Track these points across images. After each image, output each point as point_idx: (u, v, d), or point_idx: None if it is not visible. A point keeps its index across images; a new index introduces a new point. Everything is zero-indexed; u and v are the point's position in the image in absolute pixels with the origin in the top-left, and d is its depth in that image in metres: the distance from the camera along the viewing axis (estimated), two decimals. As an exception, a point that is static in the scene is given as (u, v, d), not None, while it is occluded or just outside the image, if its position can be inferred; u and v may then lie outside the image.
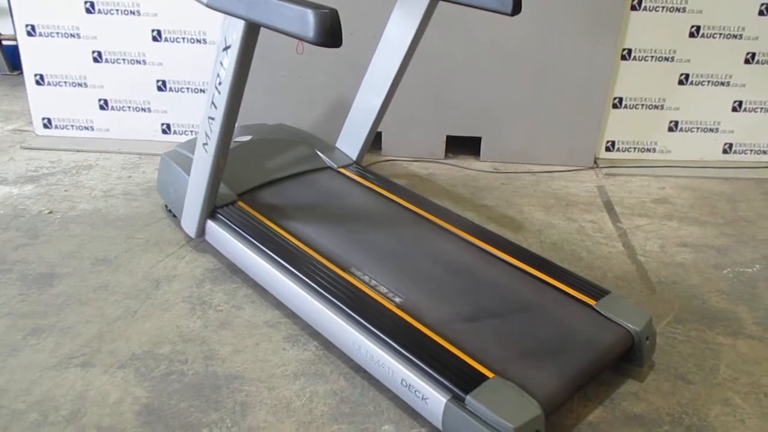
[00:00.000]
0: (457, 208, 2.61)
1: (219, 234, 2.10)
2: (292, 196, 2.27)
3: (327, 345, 1.82)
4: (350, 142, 2.54)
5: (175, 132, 3.13)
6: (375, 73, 2.40)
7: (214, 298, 2.02)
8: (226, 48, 1.71)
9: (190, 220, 2.19)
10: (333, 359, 1.78)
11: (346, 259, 1.91)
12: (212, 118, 1.84)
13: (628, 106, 3.04)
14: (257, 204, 2.20)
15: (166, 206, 2.48)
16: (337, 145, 2.60)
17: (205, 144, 1.93)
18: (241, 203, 2.18)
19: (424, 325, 1.64)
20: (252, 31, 1.66)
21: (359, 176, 2.43)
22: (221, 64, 1.74)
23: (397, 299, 1.74)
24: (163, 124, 3.12)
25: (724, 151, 3.15)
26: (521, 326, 1.66)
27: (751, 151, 3.14)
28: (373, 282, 1.81)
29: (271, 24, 1.47)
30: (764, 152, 3.14)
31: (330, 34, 1.36)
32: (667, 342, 1.89)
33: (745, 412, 1.64)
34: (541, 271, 1.88)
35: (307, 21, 1.38)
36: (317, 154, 2.52)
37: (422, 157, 3.09)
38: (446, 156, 3.12)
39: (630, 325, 1.68)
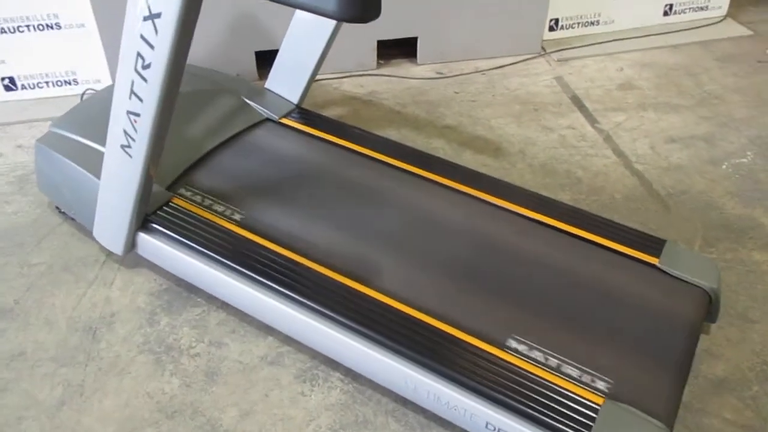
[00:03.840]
0: (422, 138, 2.20)
1: (157, 248, 1.57)
2: (236, 172, 1.74)
3: (353, 373, 1.45)
4: (286, 79, 1.98)
5: (24, 87, 2.33)
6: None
7: (181, 338, 1.54)
8: (152, 17, 1.09)
9: (111, 235, 1.62)
10: (369, 393, 1.42)
11: (343, 258, 1.49)
12: (136, 114, 1.25)
13: (571, -24, 2.66)
14: (196, 195, 1.65)
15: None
16: (268, 86, 2.03)
17: (126, 146, 1.33)
18: (176, 200, 1.63)
19: (495, 345, 1.31)
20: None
21: (308, 125, 1.92)
22: (143, 39, 1.13)
23: (439, 308, 1.38)
24: (4, 79, 2.30)
25: (665, 14, 2.91)
26: (598, 318, 1.38)
27: (690, 9, 2.93)
28: (395, 288, 1.43)
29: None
30: (701, 8, 2.95)
31: (361, 4, 0.84)
32: (710, 273, 1.71)
33: (819, 347, 1.54)
34: (581, 228, 1.58)
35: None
36: (247, 103, 1.94)
37: (351, 70, 2.57)
38: (378, 65, 2.61)
39: (704, 282, 1.45)
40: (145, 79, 1.18)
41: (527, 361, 1.28)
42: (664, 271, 1.48)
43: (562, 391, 1.22)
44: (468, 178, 1.73)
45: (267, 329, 1.54)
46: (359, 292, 1.41)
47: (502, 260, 1.52)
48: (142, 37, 1.12)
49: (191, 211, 1.60)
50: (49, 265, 1.72)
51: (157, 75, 1.16)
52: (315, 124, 1.92)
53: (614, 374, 1.26)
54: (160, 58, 1.13)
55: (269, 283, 1.42)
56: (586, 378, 1.25)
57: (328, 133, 1.89)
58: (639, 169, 2.09)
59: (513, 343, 1.31)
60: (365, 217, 1.61)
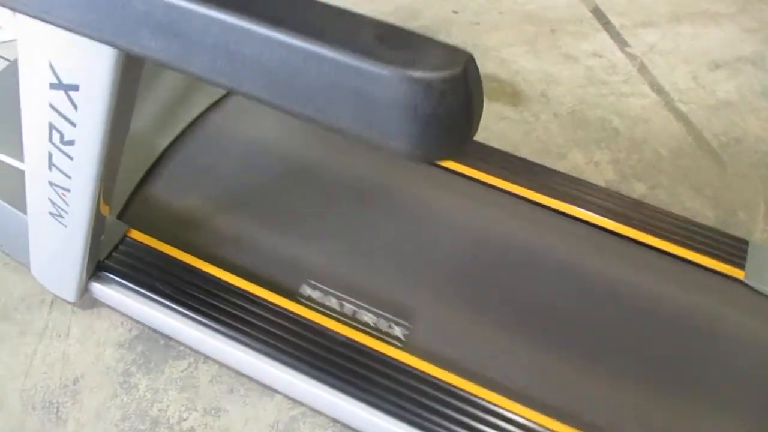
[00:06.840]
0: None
1: (117, 298, 1.23)
2: (203, 179, 1.35)
3: None
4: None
5: None
6: None
7: (168, 406, 1.25)
8: (63, 87, 0.67)
9: (55, 280, 1.26)
10: (409, 465, 1.19)
11: (371, 309, 1.18)
12: (64, 189, 0.85)
13: None
14: (159, 221, 1.28)
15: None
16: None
17: (56, 215, 0.94)
18: (133, 234, 1.25)
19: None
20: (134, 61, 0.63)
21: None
22: (55, 110, 0.71)
23: (485, 373, 1.11)
24: None
25: None
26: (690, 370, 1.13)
27: None
28: (440, 351, 1.14)
29: (249, 91, 0.51)
30: None
31: (458, 137, 0.47)
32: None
33: None
34: (652, 235, 1.28)
35: (392, 109, 0.48)
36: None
37: (322, -15, 2.06)
38: (354, -25, 2.11)
39: (802, 301, 1.21)
40: (69, 157, 0.77)
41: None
42: (753, 288, 1.22)
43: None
44: (529, 179, 1.36)
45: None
46: (394, 359, 1.12)
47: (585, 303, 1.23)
48: (52, 107, 0.71)
49: (156, 249, 1.24)
50: (-19, 313, 1.36)
51: (88, 154, 0.75)
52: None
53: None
54: (89, 137, 0.72)
55: (267, 348, 1.12)
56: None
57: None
58: (683, 111, 1.76)
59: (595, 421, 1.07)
60: (397, 240, 1.27)
